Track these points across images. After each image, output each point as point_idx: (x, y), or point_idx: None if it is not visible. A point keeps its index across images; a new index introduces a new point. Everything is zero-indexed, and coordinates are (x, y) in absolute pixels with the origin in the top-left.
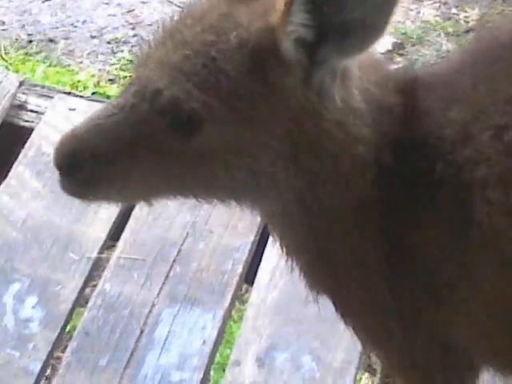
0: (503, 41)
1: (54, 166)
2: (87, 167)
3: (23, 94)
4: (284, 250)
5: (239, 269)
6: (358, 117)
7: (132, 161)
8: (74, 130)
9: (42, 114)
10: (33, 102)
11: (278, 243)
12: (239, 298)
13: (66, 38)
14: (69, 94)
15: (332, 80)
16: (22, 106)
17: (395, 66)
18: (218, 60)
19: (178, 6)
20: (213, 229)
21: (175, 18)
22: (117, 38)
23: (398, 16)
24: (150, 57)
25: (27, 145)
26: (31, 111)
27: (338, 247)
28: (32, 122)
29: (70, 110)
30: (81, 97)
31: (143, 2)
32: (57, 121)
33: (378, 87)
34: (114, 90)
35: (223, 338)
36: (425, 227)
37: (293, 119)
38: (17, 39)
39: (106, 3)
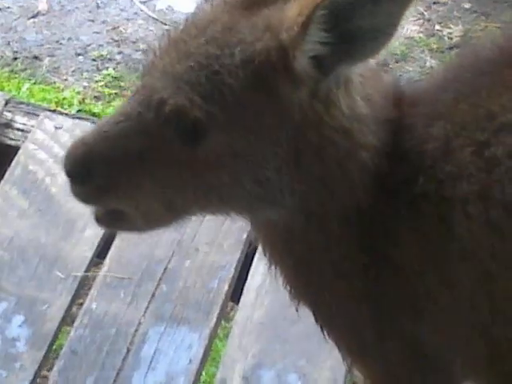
0: (485, 56)
1: (64, 173)
2: (97, 174)
3: (9, 112)
4: (268, 256)
5: (225, 287)
6: (363, 123)
7: (141, 169)
8: (83, 137)
9: (28, 132)
10: (19, 120)
11: (264, 254)
12: (225, 316)
13: (51, 56)
14: (54, 111)
15: (337, 88)
16: (8, 125)
17: None
18: (221, 74)
19: (163, 24)
20: (199, 247)
21: (180, 26)
22: (102, 55)
23: None
24: (155, 66)
25: (13, 163)
26: (17, 129)
27: (320, 257)
28: (18, 140)
29: (56, 128)
30: (66, 115)
31: (128, 19)
32: (43, 139)
33: (379, 94)
34: (99, 107)
35: (209, 356)
36: (406, 240)
37: (297, 128)
38: (2, 56)
39: (91, 20)
